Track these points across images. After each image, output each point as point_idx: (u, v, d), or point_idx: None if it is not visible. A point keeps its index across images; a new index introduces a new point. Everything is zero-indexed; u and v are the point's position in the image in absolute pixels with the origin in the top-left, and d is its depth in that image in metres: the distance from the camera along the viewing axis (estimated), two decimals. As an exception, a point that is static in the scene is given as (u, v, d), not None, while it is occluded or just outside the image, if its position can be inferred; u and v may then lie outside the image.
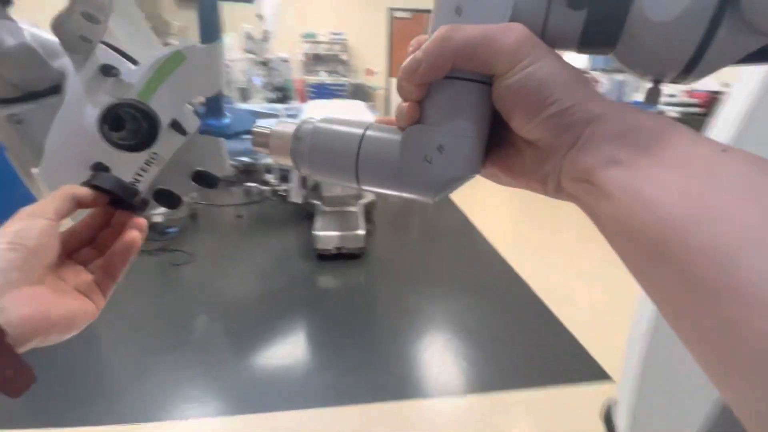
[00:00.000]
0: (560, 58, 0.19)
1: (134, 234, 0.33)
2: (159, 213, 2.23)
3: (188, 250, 2.30)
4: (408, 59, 0.21)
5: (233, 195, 3.02)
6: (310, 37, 5.55)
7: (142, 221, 0.34)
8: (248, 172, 2.96)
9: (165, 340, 1.66)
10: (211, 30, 1.76)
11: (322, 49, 5.69)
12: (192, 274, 2.17)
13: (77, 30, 0.36)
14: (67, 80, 0.40)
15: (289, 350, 1.65)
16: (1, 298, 0.23)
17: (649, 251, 0.16)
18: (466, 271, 2.31)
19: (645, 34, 0.18)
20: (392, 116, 0.25)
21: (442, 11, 0.21)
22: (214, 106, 2.00)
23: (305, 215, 2.72)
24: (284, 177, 3.10)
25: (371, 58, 5.88)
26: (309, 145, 0.25)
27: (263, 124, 0.29)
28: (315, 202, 2.54)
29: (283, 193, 2.93)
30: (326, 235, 2.26)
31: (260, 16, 3.27)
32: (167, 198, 0.46)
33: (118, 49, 0.43)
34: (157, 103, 0.40)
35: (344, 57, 5.76)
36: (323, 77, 5.62)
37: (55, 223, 0.28)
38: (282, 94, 3.83)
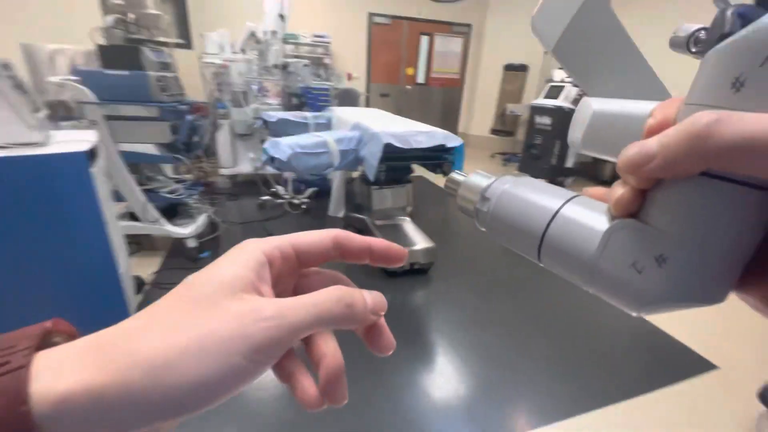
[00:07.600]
0: None
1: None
2: (191, 237, 2.19)
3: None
4: (635, 149, 0.15)
5: (245, 210, 2.96)
6: (291, 38, 4.98)
7: None
8: (259, 183, 3.00)
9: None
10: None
11: (303, 51, 5.30)
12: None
13: None
14: None
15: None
16: None
17: None
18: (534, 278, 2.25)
19: None
20: None
21: (708, 79, 0.14)
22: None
23: (346, 229, 2.58)
24: (297, 189, 3.05)
25: (352, 61, 5.72)
26: (493, 209, 0.23)
27: (460, 173, 0.27)
28: (359, 216, 2.42)
29: (304, 206, 2.95)
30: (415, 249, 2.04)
31: (282, 17, 3.08)
32: None
33: None
34: None
35: (327, 60, 5.32)
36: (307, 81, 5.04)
37: None
38: (299, 100, 3.44)
